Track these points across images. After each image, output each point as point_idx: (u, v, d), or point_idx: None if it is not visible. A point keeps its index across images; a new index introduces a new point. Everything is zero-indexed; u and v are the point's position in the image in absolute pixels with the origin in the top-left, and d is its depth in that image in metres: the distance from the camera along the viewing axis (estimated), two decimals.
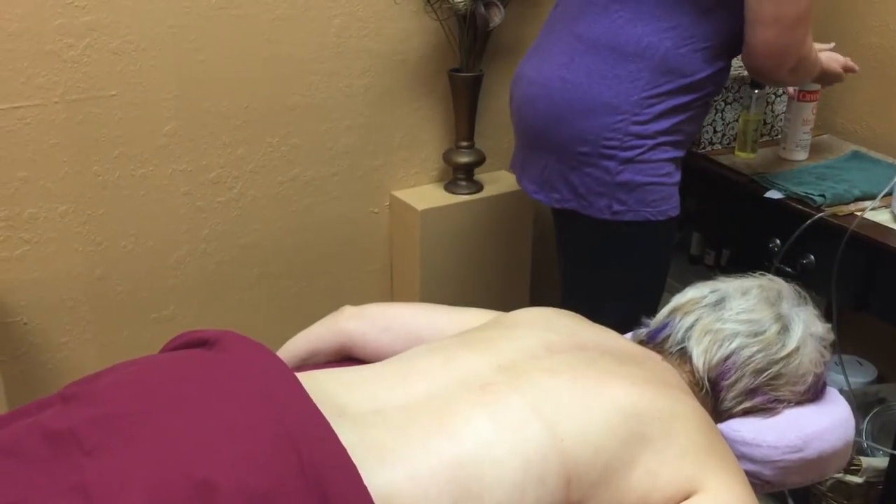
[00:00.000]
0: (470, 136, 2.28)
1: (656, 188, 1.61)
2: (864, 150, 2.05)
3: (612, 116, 1.58)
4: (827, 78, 1.82)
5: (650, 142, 1.58)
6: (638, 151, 1.58)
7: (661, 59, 1.56)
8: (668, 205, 1.63)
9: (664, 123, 1.58)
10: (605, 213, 1.62)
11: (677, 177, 1.65)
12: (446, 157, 2.31)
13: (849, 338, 2.03)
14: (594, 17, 1.61)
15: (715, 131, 2.05)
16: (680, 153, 1.64)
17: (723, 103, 2.03)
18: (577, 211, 1.65)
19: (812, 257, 1.76)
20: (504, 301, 2.36)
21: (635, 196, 1.60)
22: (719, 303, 1.21)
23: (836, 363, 1.83)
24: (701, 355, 1.17)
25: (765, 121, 2.08)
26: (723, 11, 1.55)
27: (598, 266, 1.71)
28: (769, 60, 1.56)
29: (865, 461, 1.82)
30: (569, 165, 1.63)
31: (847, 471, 1.82)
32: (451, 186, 2.33)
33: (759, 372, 1.17)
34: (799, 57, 1.57)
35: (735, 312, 1.19)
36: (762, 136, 2.07)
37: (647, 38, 1.56)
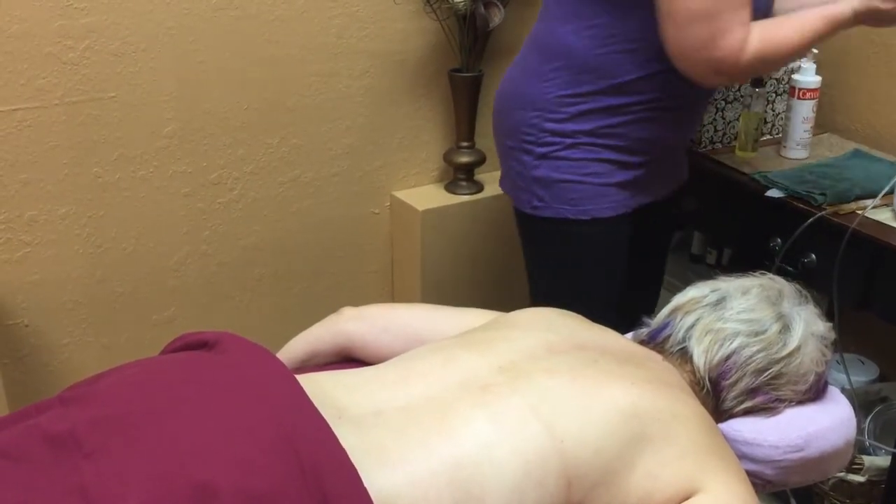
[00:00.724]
0: (470, 137, 2.28)
1: (576, 186, 1.58)
2: (864, 148, 2.05)
3: (529, 112, 1.60)
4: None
5: (567, 140, 1.57)
6: (553, 148, 1.58)
7: (581, 58, 1.53)
8: (594, 205, 1.59)
9: (587, 124, 1.55)
10: (527, 208, 1.64)
11: (616, 178, 1.59)
12: (447, 157, 2.31)
13: (850, 336, 2.02)
14: (541, 18, 1.63)
15: (715, 130, 2.05)
16: (620, 156, 1.58)
17: (723, 102, 2.03)
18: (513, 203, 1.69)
19: (813, 256, 1.75)
20: (504, 301, 2.36)
21: (552, 192, 1.60)
22: (720, 302, 1.21)
23: (837, 362, 1.83)
24: (702, 355, 1.17)
25: (765, 119, 2.08)
26: (642, 12, 1.46)
27: (532, 260, 1.73)
28: (681, 62, 1.43)
29: (868, 460, 1.81)
30: (503, 157, 1.69)
31: (849, 470, 1.81)
32: (451, 187, 2.33)
33: (760, 371, 1.16)
34: (715, 60, 1.38)
35: (736, 312, 1.19)
36: (763, 134, 2.06)
37: (568, 37, 1.55)
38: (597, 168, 1.58)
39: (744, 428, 1.17)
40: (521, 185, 1.64)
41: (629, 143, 1.57)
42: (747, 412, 1.18)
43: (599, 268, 1.66)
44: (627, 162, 1.59)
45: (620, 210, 1.61)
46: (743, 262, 1.63)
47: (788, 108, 1.97)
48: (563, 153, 1.58)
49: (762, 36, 1.40)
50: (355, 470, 0.86)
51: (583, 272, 1.65)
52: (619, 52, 1.51)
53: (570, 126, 1.56)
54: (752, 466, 1.15)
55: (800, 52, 1.46)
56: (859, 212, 1.71)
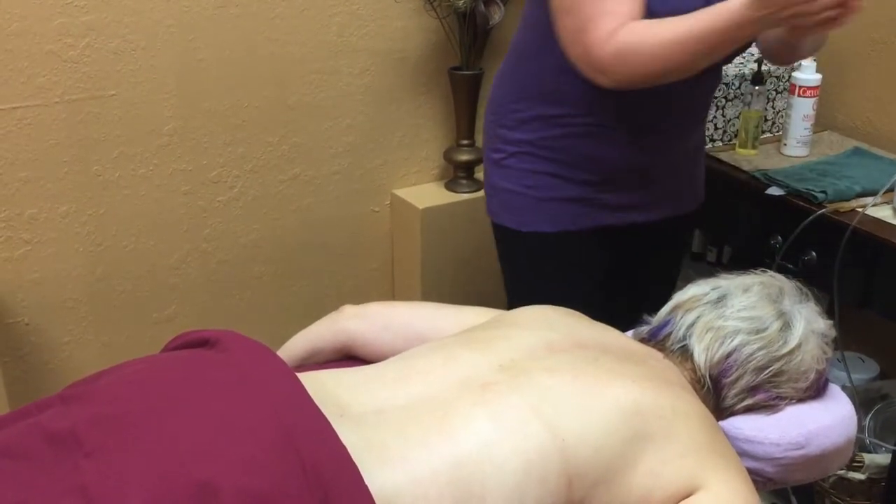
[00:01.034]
0: (470, 135, 2.27)
1: (517, 197, 1.54)
2: (865, 146, 2.05)
3: (489, 117, 1.59)
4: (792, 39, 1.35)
5: (512, 148, 1.53)
6: (501, 155, 1.55)
7: (527, 62, 1.50)
8: (534, 218, 1.54)
9: (531, 133, 1.51)
10: (489, 211, 1.63)
11: (558, 193, 1.52)
12: (447, 155, 2.31)
13: (851, 334, 2.02)
14: None
15: (716, 128, 2.05)
16: (563, 171, 1.51)
17: (723, 100, 2.03)
18: None
19: (814, 254, 1.75)
20: (504, 299, 2.36)
21: (499, 200, 1.58)
22: (721, 300, 1.21)
23: (838, 360, 1.83)
24: (702, 353, 1.16)
25: (766, 117, 2.08)
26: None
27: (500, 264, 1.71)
28: (569, 60, 1.37)
29: (868, 458, 1.81)
30: None
31: (850, 468, 1.81)
32: (451, 185, 2.33)
33: (760, 369, 1.16)
34: (584, 54, 1.33)
35: (736, 310, 1.19)
36: (763, 132, 2.06)
37: (523, 39, 1.52)
38: (536, 181, 1.52)
39: (745, 426, 1.17)
40: (486, 187, 1.63)
41: (572, 158, 1.50)
42: (748, 410, 1.18)
43: (549, 282, 1.55)
44: (572, 178, 1.51)
45: (561, 227, 1.54)
46: (743, 260, 1.62)
47: (789, 106, 1.97)
48: (507, 161, 1.55)
49: (635, 30, 1.30)
50: (357, 468, 0.86)
51: (536, 284, 1.57)
52: (549, 56, 1.43)
53: (517, 134, 1.53)
54: (753, 464, 1.15)
55: (683, 52, 1.29)
56: (859, 209, 1.71)
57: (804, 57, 1.59)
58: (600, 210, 1.55)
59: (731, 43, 1.29)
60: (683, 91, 1.43)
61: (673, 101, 1.46)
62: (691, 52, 1.29)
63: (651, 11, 1.32)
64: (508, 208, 1.57)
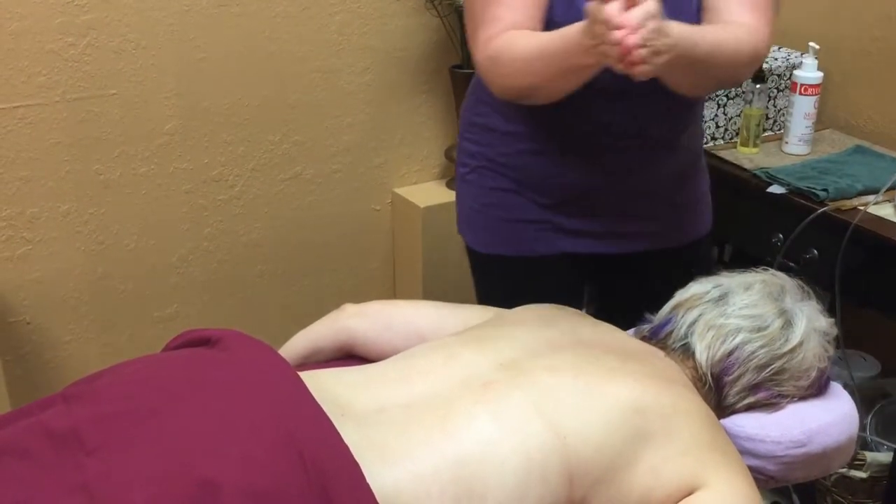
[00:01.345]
0: None
1: (478, 216, 1.49)
2: (867, 144, 2.04)
3: (461, 128, 1.54)
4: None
5: (474, 162, 1.48)
6: (465, 170, 1.51)
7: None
8: (495, 239, 1.48)
9: (487, 148, 1.46)
10: (458, 228, 1.58)
11: (516, 213, 1.45)
12: (448, 153, 2.31)
13: (852, 332, 2.02)
14: None
15: (717, 126, 2.04)
16: (519, 188, 1.44)
17: (725, 98, 2.03)
18: None
19: (815, 252, 1.75)
20: None
21: (463, 217, 1.53)
22: (722, 298, 1.21)
23: (839, 358, 1.83)
24: (704, 351, 1.16)
25: (767, 115, 2.08)
26: None
27: None
28: None
29: (869, 456, 1.81)
30: None
31: (851, 466, 1.81)
32: (452, 183, 2.32)
33: (762, 367, 1.16)
34: (474, 60, 1.34)
35: (738, 308, 1.19)
36: (764, 130, 2.06)
37: None
38: (495, 199, 1.46)
39: (746, 424, 1.17)
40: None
41: (527, 177, 1.43)
42: (749, 408, 1.18)
43: (508, 306, 1.34)
44: (532, 199, 1.44)
45: (519, 251, 1.47)
46: (745, 258, 1.62)
47: (790, 104, 1.97)
48: (470, 176, 1.50)
49: (506, 38, 1.27)
50: (358, 467, 0.86)
51: (503, 307, 1.37)
52: None
53: (475, 148, 1.48)
54: (755, 462, 1.15)
55: (539, 68, 1.25)
56: (861, 208, 1.71)
57: (696, 93, 1.40)
58: (561, 235, 1.46)
59: (579, 69, 1.22)
60: (625, 114, 1.37)
61: (617, 125, 1.38)
62: (546, 71, 1.25)
63: (555, 22, 1.28)
64: (472, 227, 1.52)
